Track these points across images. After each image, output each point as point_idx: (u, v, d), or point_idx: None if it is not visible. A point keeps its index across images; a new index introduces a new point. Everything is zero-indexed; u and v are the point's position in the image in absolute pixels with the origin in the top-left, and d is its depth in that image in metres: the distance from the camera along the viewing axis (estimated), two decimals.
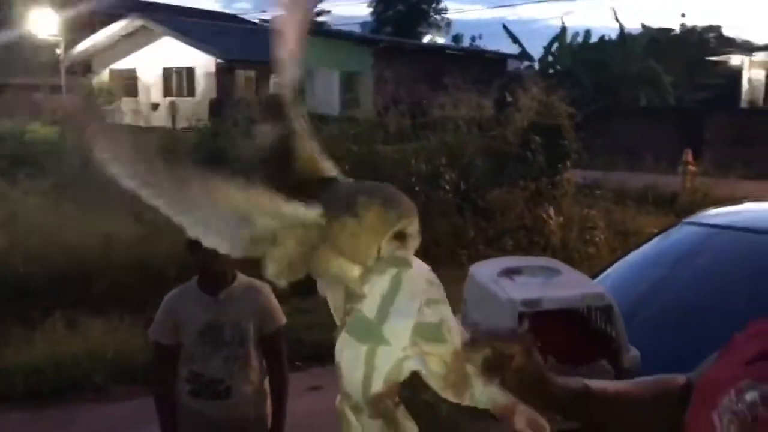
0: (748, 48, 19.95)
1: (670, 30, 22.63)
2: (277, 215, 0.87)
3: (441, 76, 11.61)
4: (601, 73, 19.28)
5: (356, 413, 0.91)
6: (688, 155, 11.25)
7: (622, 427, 1.03)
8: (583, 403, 0.99)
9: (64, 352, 4.42)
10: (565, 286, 1.57)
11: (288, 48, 1.08)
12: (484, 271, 1.68)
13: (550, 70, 19.95)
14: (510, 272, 1.63)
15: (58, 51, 21.52)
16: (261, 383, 2.34)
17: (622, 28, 20.82)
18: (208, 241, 0.87)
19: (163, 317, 2.31)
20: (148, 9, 26.57)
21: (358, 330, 0.89)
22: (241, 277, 2.32)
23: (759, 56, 18.30)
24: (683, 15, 31.71)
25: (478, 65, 15.16)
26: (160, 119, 17.39)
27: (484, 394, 0.89)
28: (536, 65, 22.05)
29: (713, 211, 2.78)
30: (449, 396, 0.88)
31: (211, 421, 2.26)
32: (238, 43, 23.95)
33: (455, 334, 0.91)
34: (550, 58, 21.09)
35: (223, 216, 0.86)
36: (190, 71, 24.59)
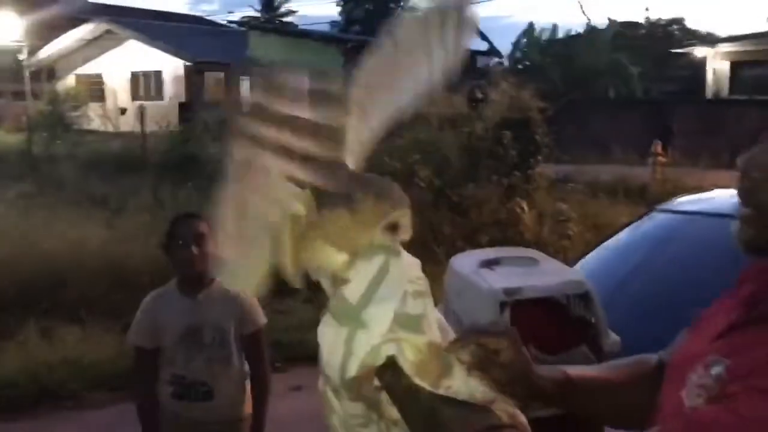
0: (711, 40, 20.31)
1: (636, 23, 22.95)
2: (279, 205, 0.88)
3: None
4: (569, 67, 19.49)
5: (337, 396, 0.92)
6: (657, 146, 11.43)
7: (603, 410, 1.05)
8: (564, 392, 1.01)
9: (39, 361, 4.35)
10: (545, 274, 1.59)
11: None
12: (464, 262, 1.69)
13: (519, 66, 20.12)
14: (490, 263, 1.64)
15: (21, 56, 21.16)
16: (243, 384, 2.33)
17: (589, 21, 21.09)
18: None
19: (143, 321, 2.29)
20: (113, 13, 26.25)
21: (340, 313, 0.90)
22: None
23: (722, 47, 18.62)
24: (647, 9, 32.17)
25: None
26: (128, 124, 17.17)
27: (464, 386, 0.90)
28: (505, 61, 22.21)
29: (684, 198, 2.82)
30: (424, 383, 0.88)
31: (193, 423, 2.24)
32: (205, 45, 23.79)
33: (434, 328, 0.92)
34: (519, 54, 21.27)
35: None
36: (157, 75, 24.35)
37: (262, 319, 2.35)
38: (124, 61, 24.10)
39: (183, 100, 23.18)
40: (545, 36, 21.45)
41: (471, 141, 8.26)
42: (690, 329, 0.96)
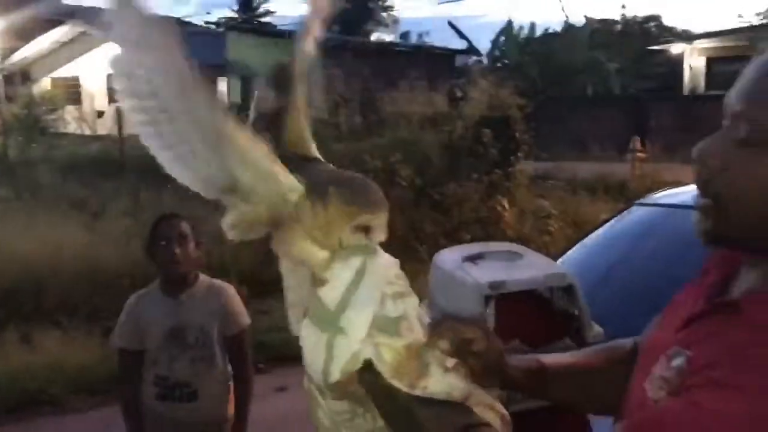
0: (688, 36, 20.52)
1: (612, 21, 23.15)
2: (266, 174, 0.87)
3: (391, 73, 11.64)
4: (547, 65, 19.62)
5: (321, 394, 0.92)
6: (636, 142, 11.53)
7: (578, 396, 1.05)
8: (539, 379, 1.01)
9: (19, 366, 4.30)
10: (528, 268, 1.60)
11: (308, 25, 1.09)
12: (448, 257, 1.70)
13: (498, 64, 20.22)
14: (473, 258, 1.65)
15: None
16: (226, 385, 2.32)
17: (567, 19, 21.25)
18: (182, 179, 0.87)
19: (126, 322, 2.27)
20: (89, 14, 25.98)
21: (320, 318, 0.90)
22: (204, 278, 2.30)
23: (699, 44, 18.83)
24: (623, 6, 32.41)
25: (427, 61, 15.29)
26: (105, 127, 17.02)
27: (441, 383, 0.90)
28: (484, 60, 22.30)
29: (663, 192, 2.85)
30: (401, 385, 0.89)
31: (177, 424, 2.23)
32: (183, 46, 23.61)
33: (415, 328, 0.92)
34: (498, 52, 21.36)
35: (205, 156, 0.86)
36: None
37: (246, 319, 2.34)
38: (101, 64, 23.86)
39: None
40: (523, 34, 21.57)
41: (451, 140, 8.30)
42: (659, 316, 0.96)
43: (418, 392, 0.89)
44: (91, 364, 4.38)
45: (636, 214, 2.60)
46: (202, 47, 24.27)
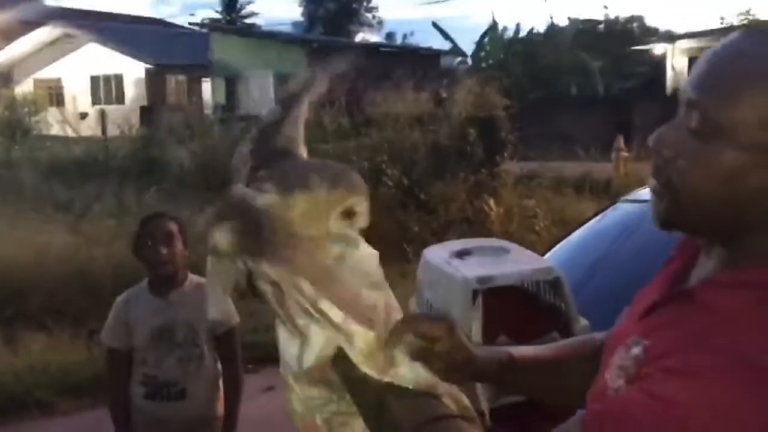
0: (670, 37, 20.69)
1: (596, 21, 23.29)
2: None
3: (376, 74, 11.65)
4: (532, 65, 19.72)
5: (295, 381, 0.93)
6: (620, 141, 11.63)
7: (549, 389, 1.06)
8: (509, 372, 1.02)
9: (4, 369, 4.27)
10: (516, 262, 1.61)
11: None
12: (437, 253, 1.71)
13: (483, 65, 20.28)
14: (462, 253, 1.66)
15: None
16: (216, 383, 2.32)
17: (551, 19, 21.38)
18: None
19: (115, 321, 2.27)
20: (71, 16, 25.80)
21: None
22: (192, 278, 2.30)
23: (681, 44, 18.99)
24: (606, 7, 32.65)
25: (412, 62, 15.35)
26: (89, 129, 16.91)
27: (409, 373, 0.92)
28: (469, 60, 22.37)
29: (647, 189, 2.88)
30: (372, 372, 0.90)
31: (166, 423, 2.23)
32: (166, 47, 23.53)
33: (386, 318, 0.93)
34: (482, 53, 21.43)
35: None
36: (118, 78, 24.01)
37: (235, 318, 2.34)
38: (84, 65, 23.72)
39: (144, 103, 22.89)
40: (508, 35, 21.67)
41: (437, 140, 8.33)
42: (628, 308, 0.97)
43: (387, 379, 0.90)
44: (77, 366, 4.35)
45: (620, 210, 2.63)
46: (185, 48, 24.21)
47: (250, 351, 4.34)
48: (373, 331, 0.90)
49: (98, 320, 4.69)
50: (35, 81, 24.36)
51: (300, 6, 40.13)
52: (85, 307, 5.02)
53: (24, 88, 22.40)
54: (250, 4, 40.07)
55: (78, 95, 23.49)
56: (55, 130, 17.65)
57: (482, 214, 7.63)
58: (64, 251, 5.66)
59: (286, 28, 34.42)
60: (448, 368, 0.95)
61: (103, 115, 13.13)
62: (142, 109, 21.28)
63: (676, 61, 19.02)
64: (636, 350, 0.78)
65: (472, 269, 1.55)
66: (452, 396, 0.95)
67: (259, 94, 18.31)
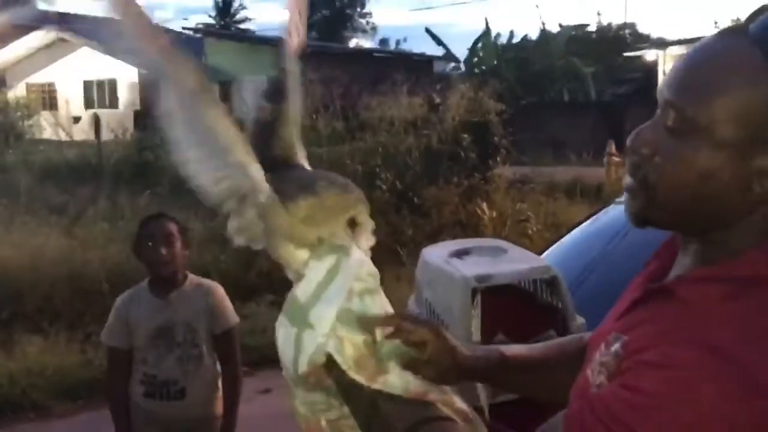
0: (662, 43, 20.81)
1: (586, 25, 23.41)
2: (243, 168, 0.91)
3: (370, 79, 11.68)
4: (525, 70, 19.80)
5: (295, 385, 0.96)
6: (612, 147, 11.68)
7: (538, 387, 1.08)
8: (501, 371, 1.04)
9: (0, 371, 4.27)
10: (514, 261, 1.64)
11: (292, 34, 1.14)
12: (435, 252, 1.74)
13: (476, 70, 20.35)
14: (460, 253, 1.69)
15: None
16: (215, 383, 2.34)
17: (543, 26, 21.47)
18: (198, 180, 0.92)
19: (115, 321, 2.29)
20: (64, 20, 25.74)
21: (291, 312, 0.94)
22: (192, 278, 2.32)
23: (673, 50, 19.10)
24: (599, 13, 32.82)
25: (405, 67, 15.39)
26: (82, 133, 16.88)
27: (398, 380, 0.94)
28: (462, 66, 22.43)
29: None
30: (361, 379, 0.92)
31: (165, 422, 2.25)
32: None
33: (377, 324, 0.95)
34: (475, 59, 21.50)
35: (215, 159, 0.90)
36: (111, 82, 23.96)
37: (234, 318, 2.36)
38: (77, 69, 23.65)
39: (138, 107, 22.85)
40: (501, 41, 21.74)
41: (431, 144, 8.36)
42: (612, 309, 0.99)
43: (377, 386, 0.92)
44: (73, 368, 4.36)
45: (614, 211, 2.66)
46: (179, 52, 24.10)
47: (246, 353, 4.32)
48: (362, 337, 0.92)
49: (94, 323, 4.73)
50: (28, 85, 24.28)
51: None
52: (80, 309, 5.02)
53: (17, 92, 22.34)
54: (244, 10, 40.08)
55: (71, 99, 23.42)
56: (48, 134, 17.59)
57: (475, 218, 7.66)
58: (58, 254, 5.65)
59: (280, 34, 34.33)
60: (440, 373, 0.97)
61: (96, 119, 13.11)
62: (136, 113, 21.25)
63: (668, 68, 19.10)
64: (615, 346, 0.80)
65: (471, 268, 1.57)
66: (445, 401, 0.97)
67: (254, 99, 18.28)
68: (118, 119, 15.52)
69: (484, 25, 21.27)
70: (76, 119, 20.94)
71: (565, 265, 2.20)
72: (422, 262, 1.75)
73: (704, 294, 0.77)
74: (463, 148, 8.07)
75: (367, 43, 39.65)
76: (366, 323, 0.93)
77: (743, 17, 0.85)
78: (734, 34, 0.80)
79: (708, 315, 0.74)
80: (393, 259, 6.45)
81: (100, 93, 24.21)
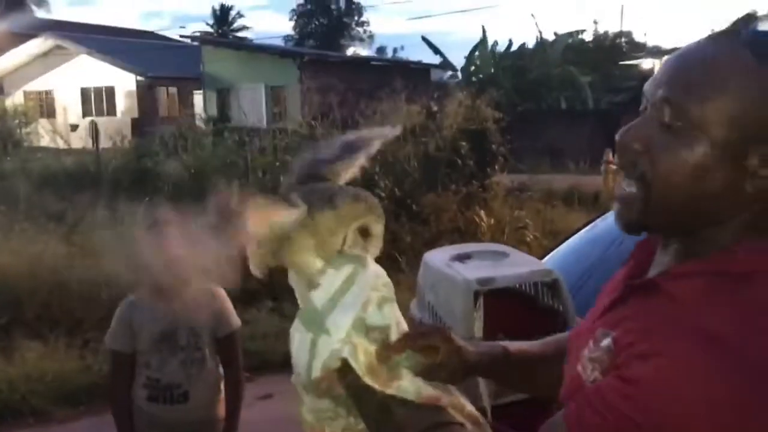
0: (658, 51, 20.94)
1: (581, 31, 23.49)
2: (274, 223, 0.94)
3: (367, 87, 11.72)
4: (522, 78, 19.87)
5: (305, 391, 0.98)
6: (609, 155, 11.73)
7: (538, 382, 1.11)
8: (504, 366, 1.07)
9: (0, 377, 4.27)
10: (515, 265, 1.66)
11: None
12: (437, 256, 1.76)
13: (473, 78, 20.41)
14: (462, 257, 1.71)
15: None
16: (217, 386, 2.36)
17: (540, 34, 21.56)
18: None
19: (119, 325, 2.30)
20: (62, 28, 25.81)
21: (307, 318, 0.96)
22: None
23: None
24: (596, 22, 32.97)
25: (403, 76, 15.48)
26: (80, 140, 16.90)
27: (411, 385, 0.96)
28: (459, 74, 22.50)
29: None
30: (375, 384, 0.94)
31: (168, 425, 2.26)
32: (157, 59, 23.55)
33: (391, 333, 0.97)
34: (473, 67, 21.57)
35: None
36: (109, 90, 24.00)
37: (237, 321, 2.38)
38: (75, 77, 23.69)
39: (136, 115, 22.88)
40: (498, 49, 21.81)
41: (429, 152, 8.39)
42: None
43: (391, 391, 0.94)
44: (72, 374, 4.36)
45: (610, 219, 2.69)
46: (177, 60, 24.20)
47: (246, 359, 4.33)
48: (376, 345, 0.95)
49: (93, 329, 4.74)
50: (26, 92, 24.32)
51: (291, 20, 40.29)
52: (79, 315, 5.03)
53: (15, 99, 22.36)
54: (241, 18, 40.20)
55: (69, 107, 23.47)
56: (46, 141, 17.61)
57: (473, 225, 7.68)
58: (57, 261, 5.66)
59: (278, 43, 34.52)
60: (450, 374, 1.00)
61: (95, 126, 13.13)
62: (134, 120, 21.29)
63: None
64: (605, 342, 0.82)
65: (473, 271, 1.59)
66: (456, 406, 0.99)
67: (251, 107, 18.36)
68: (115, 127, 15.54)
69: (481, 34, 21.21)
70: (74, 127, 20.96)
71: (565, 271, 2.22)
72: (424, 266, 1.77)
73: (691, 287, 0.79)
74: (461, 155, 8.11)
75: (364, 52, 39.78)
76: (385, 357, 0.95)
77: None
78: (726, 38, 0.83)
79: (696, 306, 0.77)
80: (392, 265, 6.46)
81: (97, 100, 24.25)
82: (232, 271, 0.93)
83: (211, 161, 9.72)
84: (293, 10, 40.60)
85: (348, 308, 0.94)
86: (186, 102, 22.96)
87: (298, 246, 0.96)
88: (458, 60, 23.07)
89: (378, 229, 0.98)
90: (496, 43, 21.81)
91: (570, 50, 21.40)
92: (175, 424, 2.26)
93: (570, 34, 22.22)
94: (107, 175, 10.06)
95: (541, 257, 2.85)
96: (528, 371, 1.09)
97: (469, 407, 1.01)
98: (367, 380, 0.93)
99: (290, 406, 1.01)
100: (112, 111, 23.68)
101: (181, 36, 29.83)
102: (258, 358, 4.39)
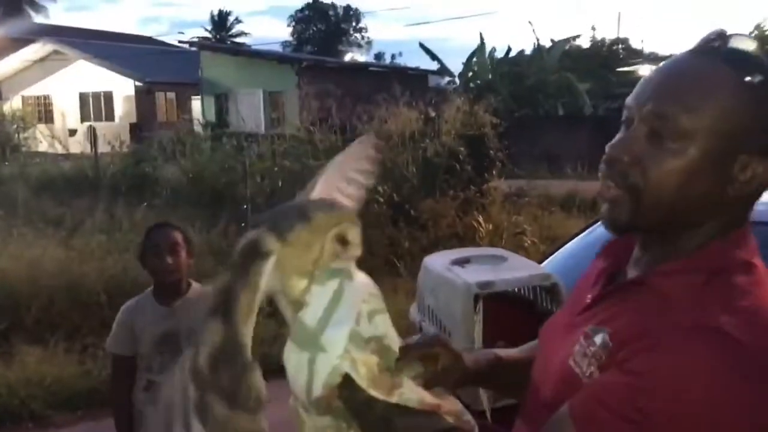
0: (654, 58, 21.00)
1: (576, 36, 23.56)
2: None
3: (365, 93, 11.76)
4: (520, 84, 19.91)
5: (306, 411, 0.97)
6: None
7: (519, 387, 1.14)
8: (496, 371, 1.11)
9: None
10: (514, 269, 1.68)
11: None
12: (437, 261, 1.77)
13: (471, 84, 20.45)
14: (461, 261, 1.73)
15: None
16: None
17: (537, 41, 21.62)
18: None
19: (120, 329, 2.31)
20: (60, 33, 25.83)
21: (300, 338, 0.95)
22: (196, 286, 2.35)
23: None
24: (593, 29, 33.03)
25: (400, 81, 15.55)
26: (78, 145, 16.91)
27: (412, 394, 0.96)
28: (457, 80, 22.54)
29: None
30: (379, 394, 0.94)
31: (168, 429, 2.26)
32: (156, 65, 23.61)
33: (391, 343, 0.98)
34: (470, 73, 21.61)
35: None
36: (107, 95, 24.02)
37: None
38: (73, 82, 23.72)
39: (134, 120, 22.90)
40: (496, 55, 21.85)
41: (427, 157, 8.42)
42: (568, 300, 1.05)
43: (394, 400, 0.94)
44: (71, 379, 4.36)
45: None
46: (175, 66, 24.23)
47: None
48: (375, 357, 0.95)
49: (92, 333, 4.75)
50: (24, 98, 24.33)
51: (289, 26, 40.38)
52: (78, 320, 5.04)
53: (13, 104, 22.37)
54: (239, 24, 40.28)
55: (67, 112, 23.47)
56: (44, 146, 17.61)
57: (471, 230, 7.70)
58: (56, 266, 5.66)
59: (276, 48, 34.57)
60: (453, 380, 1.03)
61: (93, 131, 13.14)
62: (132, 126, 21.30)
63: None
64: (599, 338, 0.86)
65: (473, 275, 1.61)
66: (454, 413, 1.00)
67: (249, 112, 18.39)
68: (114, 132, 15.54)
69: (478, 40, 21.24)
70: (72, 132, 20.96)
71: (563, 275, 2.24)
72: (424, 270, 1.78)
73: (682, 283, 0.85)
74: (459, 161, 8.13)
75: (362, 58, 39.84)
76: (384, 384, 0.96)
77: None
78: (707, 54, 0.88)
79: (688, 300, 0.82)
80: (390, 270, 6.49)
81: (96, 105, 24.28)
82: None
83: (210, 166, 9.74)
84: (291, 16, 40.77)
85: (341, 323, 0.93)
86: (184, 107, 22.99)
87: (279, 273, 0.96)
88: (456, 66, 23.20)
89: (355, 234, 0.97)
90: (493, 50, 21.84)
91: (567, 57, 21.46)
92: None
93: (567, 41, 22.29)
94: (105, 180, 10.09)
95: (539, 262, 2.87)
96: (519, 375, 1.11)
97: (468, 416, 1.03)
98: (372, 392, 0.93)
99: (284, 412, 1.02)
100: (110, 116, 23.70)
101: (179, 41, 29.85)
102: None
